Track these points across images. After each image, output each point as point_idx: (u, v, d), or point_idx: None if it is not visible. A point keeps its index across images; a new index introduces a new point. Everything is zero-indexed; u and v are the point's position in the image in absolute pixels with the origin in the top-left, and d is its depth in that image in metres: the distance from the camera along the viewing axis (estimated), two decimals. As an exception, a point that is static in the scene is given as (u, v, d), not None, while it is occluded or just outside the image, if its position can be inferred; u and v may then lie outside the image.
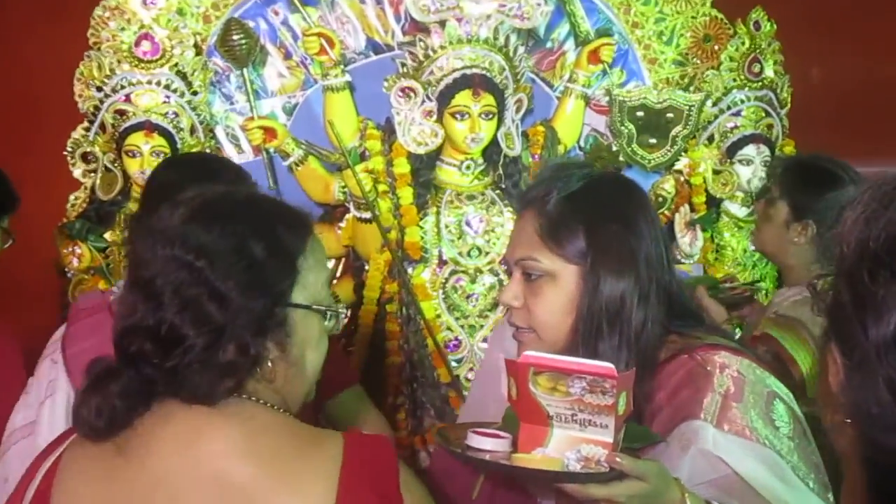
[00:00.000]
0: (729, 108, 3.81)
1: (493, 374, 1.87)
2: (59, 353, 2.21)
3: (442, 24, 3.43)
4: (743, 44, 3.78)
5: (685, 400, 1.61)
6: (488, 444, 1.50)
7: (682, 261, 3.63)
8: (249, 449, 1.27)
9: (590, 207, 1.69)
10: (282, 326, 1.32)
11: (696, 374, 1.64)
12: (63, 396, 2.15)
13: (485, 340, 3.47)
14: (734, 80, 3.80)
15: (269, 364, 1.31)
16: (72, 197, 3.59)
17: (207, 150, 3.49)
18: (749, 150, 3.80)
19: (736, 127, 3.81)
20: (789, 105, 3.90)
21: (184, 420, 1.28)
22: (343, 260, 3.66)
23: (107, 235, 3.50)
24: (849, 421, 0.94)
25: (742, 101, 3.80)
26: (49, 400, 2.17)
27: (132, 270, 1.32)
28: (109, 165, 3.50)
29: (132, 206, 3.49)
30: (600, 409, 1.40)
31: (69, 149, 3.54)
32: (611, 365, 1.37)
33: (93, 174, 3.53)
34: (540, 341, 1.67)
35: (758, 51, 3.79)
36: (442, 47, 3.43)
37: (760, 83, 3.81)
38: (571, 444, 1.44)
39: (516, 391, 1.44)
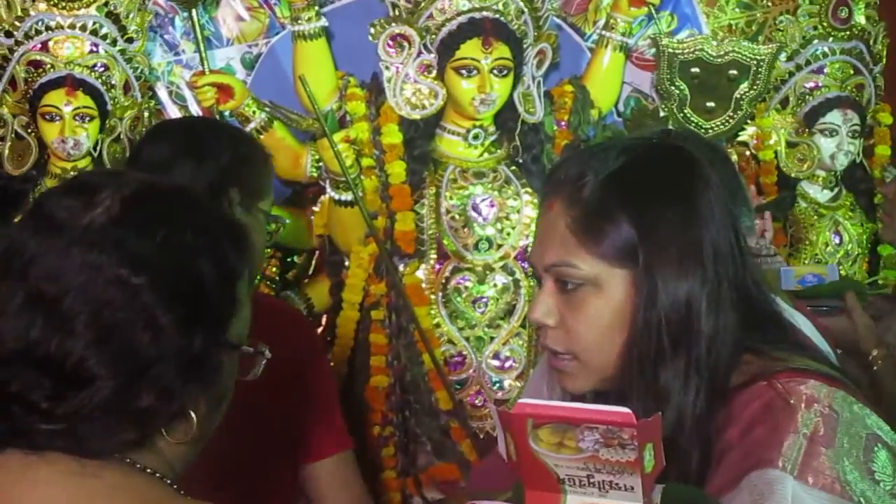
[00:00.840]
0: (808, 63, 3.61)
1: None
2: None
3: None
4: None
5: (760, 440, 1.42)
6: None
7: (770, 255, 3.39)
8: None
9: (637, 190, 1.51)
10: (215, 371, 1.21)
11: (775, 407, 1.44)
12: None
13: (496, 358, 3.31)
14: (815, 28, 3.62)
15: (192, 416, 1.20)
16: None
17: (146, 112, 3.33)
18: (833, 118, 3.57)
19: (817, 88, 3.61)
20: (884, 61, 3.70)
21: (19, 465, 1.15)
22: (317, 254, 3.51)
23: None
24: None
25: (825, 55, 3.61)
26: None
27: (23, 276, 1.16)
28: (21, 132, 3.29)
29: (49, 184, 3.29)
30: (622, 467, 1.24)
31: None
32: (627, 410, 1.20)
33: (0, 142, 3.32)
34: (585, 369, 1.53)
35: None
36: None
37: (848, 33, 3.63)
38: None
39: (515, 450, 1.29)
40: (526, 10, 3.23)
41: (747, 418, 1.45)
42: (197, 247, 1.20)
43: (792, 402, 1.43)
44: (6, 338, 1.14)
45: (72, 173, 3.19)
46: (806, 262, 3.62)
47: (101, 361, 1.13)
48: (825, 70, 3.60)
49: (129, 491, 1.15)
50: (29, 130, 3.24)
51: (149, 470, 1.18)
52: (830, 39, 3.60)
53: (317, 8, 3.26)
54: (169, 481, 1.20)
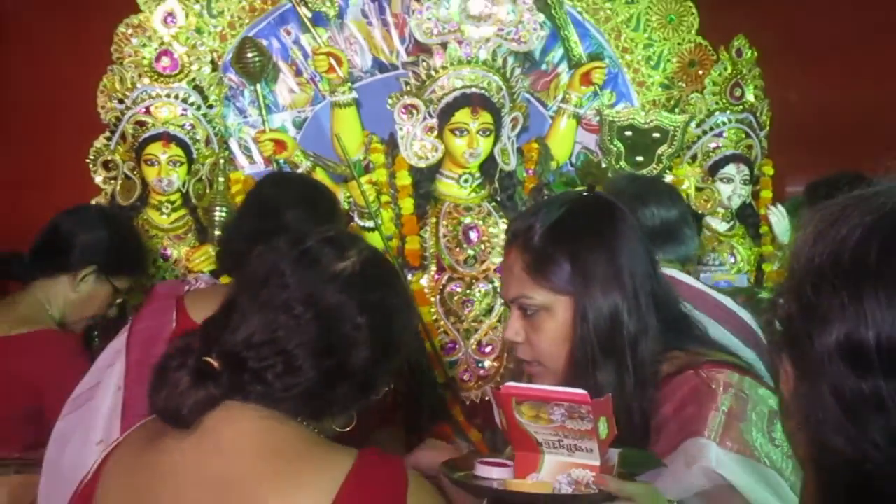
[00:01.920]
0: (712, 129, 3.86)
1: None
2: (127, 329, 2.31)
3: (444, 45, 3.48)
4: (726, 69, 3.84)
5: (690, 416, 1.58)
6: (494, 473, 1.49)
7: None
8: (257, 450, 1.26)
9: (571, 236, 1.66)
10: (375, 390, 1.41)
11: (701, 391, 1.60)
12: (121, 366, 2.24)
13: (479, 345, 3.51)
14: (717, 102, 3.85)
15: (353, 415, 1.40)
16: (93, 202, 3.60)
17: (221, 160, 3.55)
18: (730, 169, 3.85)
19: (718, 147, 3.86)
20: (768, 127, 3.95)
21: (209, 416, 1.30)
22: None
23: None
24: (800, 427, 0.96)
25: (724, 123, 3.85)
26: (110, 369, 2.26)
27: (281, 291, 1.33)
28: (129, 173, 3.54)
29: (150, 212, 3.57)
30: (583, 434, 1.40)
31: (91, 157, 3.59)
32: (584, 391, 1.36)
33: (113, 181, 3.57)
34: (547, 372, 1.67)
35: (739, 76, 3.85)
36: (443, 67, 3.47)
37: (741, 106, 3.86)
38: (562, 468, 1.44)
39: (505, 421, 1.44)
40: (504, 87, 3.46)
41: (679, 399, 1.60)
42: (397, 305, 1.41)
43: (713, 386, 1.58)
44: (259, 329, 1.32)
45: (165, 204, 3.50)
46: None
47: (316, 366, 1.31)
48: (724, 134, 3.83)
49: (261, 421, 1.31)
50: (135, 172, 3.51)
51: (316, 431, 1.35)
52: (728, 112, 3.83)
53: (349, 84, 3.52)
54: (306, 423, 1.37)
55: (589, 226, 1.68)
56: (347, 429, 1.42)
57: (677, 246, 2.56)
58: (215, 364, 1.31)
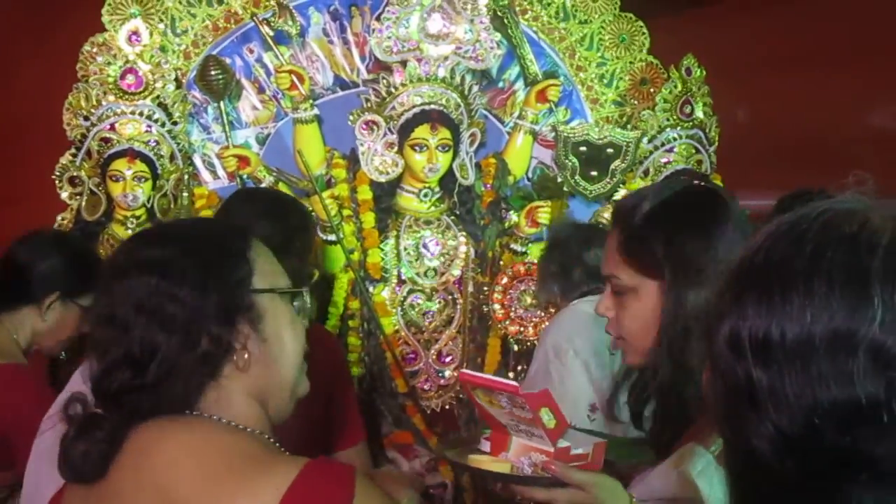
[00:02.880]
0: (663, 144, 3.89)
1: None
2: None
3: (403, 63, 3.53)
4: (676, 87, 3.86)
5: (703, 425, 1.58)
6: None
7: None
8: (193, 466, 1.22)
9: (669, 222, 1.63)
10: (250, 311, 1.32)
11: None
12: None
13: (439, 355, 3.60)
14: (668, 119, 3.88)
15: (241, 348, 1.30)
16: (59, 217, 3.62)
17: (185, 175, 3.61)
18: None
19: (669, 162, 3.89)
20: (717, 143, 3.98)
21: (146, 433, 1.26)
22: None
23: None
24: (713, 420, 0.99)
25: (675, 139, 3.89)
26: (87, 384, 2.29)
27: (96, 326, 1.32)
28: (94, 189, 3.56)
29: (115, 227, 3.58)
30: (530, 422, 1.47)
31: (57, 173, 3.59)
32: (516, 384, 1.43)
33: (79, 196, 3.58)
34: (632, 349, 1.69)
35: (689, 94, 3.87)
36: (403, 85, 3.53)
37: (691, 123, 3.90)
38: (525, 451, 1.51)
39: (476, 406, 1.53)
40: (462, 104, 3.53)
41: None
42: (193, 242, 1.38)
43: None
44: (96, 363, 1.32)
45: (130, 219, 3.53)
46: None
47: (155, 332, 1.28)
48: (675, 149, 3.84)
49: (194, 432, 1.26)
50: (100, 188, 3.53)
51: (232, 423, 1.28)
52: (679, 128, 3.84)
53: (311, 101, 3.56)
54: (250, 429, 1.30)
55: (691, 214, 1.66)
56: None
57: None
58: (98, 411, 1.30)
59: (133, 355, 1.25)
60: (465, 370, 1.49)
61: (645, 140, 3.88)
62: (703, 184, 1.80)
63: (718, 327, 0.95)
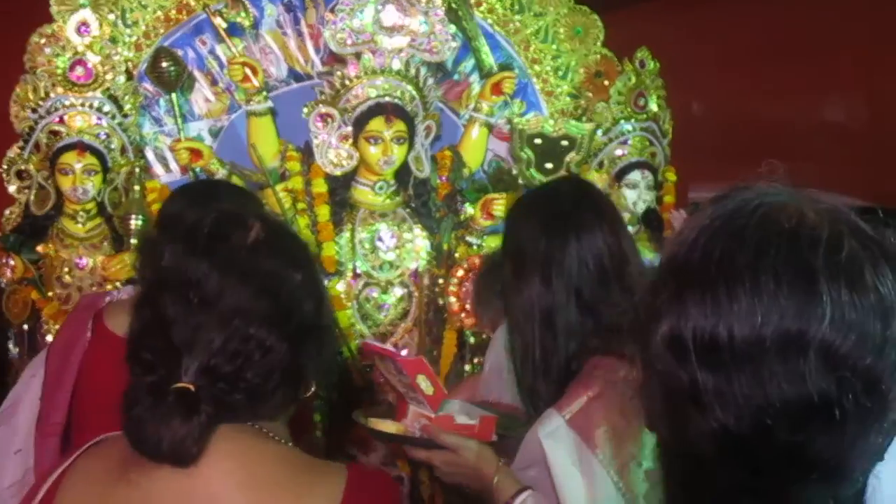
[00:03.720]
0: (617, 136, 3.93)
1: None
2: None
3: (358, 55, 3.53)
4: (630, 80, 3.90)
5: (566, 394, 1.67)
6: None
7: None
8: (246, 477, 1.24)
9: (514, 209, 1.76)
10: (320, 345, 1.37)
11: (584, 376, 1.68)
12: (40, 378, 2.27)
13: (395, 347, 3.54)
14: (622, 112, 3.92)
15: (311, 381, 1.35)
16: (7, 212, 3.60)
17: (137, 168, 3.56)
18: (635, 176, 3.93)
19: (623, 154, 3.93)
20: (671, 135, 4.03)
21: (218, 434, 1.26)
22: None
23: (39, 248, 3.51)
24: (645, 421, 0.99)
25: (629, 132, 3.93)
26: (32, 379, 2.30)
27: (202, 285, 1.27)
28: (43, 182, 3.53)
29: (65, 221, 3.55)
30: (411, 387, 1.59)
31: (4, 166, 3.57)
32: (394, 349, 1.50)
33: (27, 190, 3.56)
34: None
35: (643, 86, 3.91)
36: (357, 77, 3.52)
37: (645, 115, 3.94)
38: (417, 417, 1.63)
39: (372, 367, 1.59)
40: (417, 96, 3.54)
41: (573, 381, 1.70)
42: (309, 254, 1.44)
43: (595, 373, 1.65)
44: (214, 330, 1.27)
45: (81, 213, 3.49)
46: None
47: (284, 336, 1.28)
48: (629, 142, 3.89)
49: (243, 444, 1.28)
50: (48, 181, 3.49)
51: (265, 431, 1.31)
52: (633, 120, 3.89)
53: (265, 93, 3.56)
54: (284, 441, 1.34)
55: (535, 205, 1.79)
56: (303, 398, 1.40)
57: None
58: (191, 387, 1.24)
59: (246, 352, 1.24)
60: (367, 340, 1.59)
61: (599, 132, 3.92)
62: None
63: (653, 327, 0.92)
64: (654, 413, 0.96)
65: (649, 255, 3.77)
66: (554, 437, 1.59)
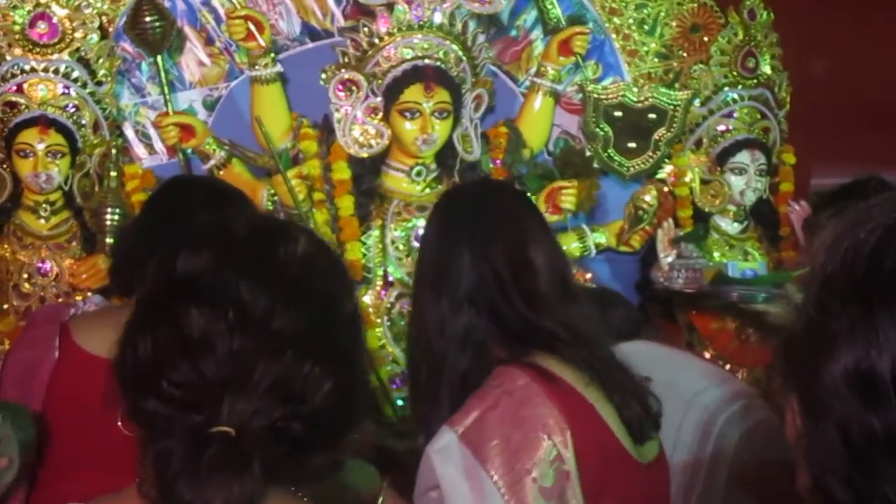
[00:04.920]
0: (719, 108, 3.87)
1: None
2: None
3: (389, 7, 3.50)
4: (735, 35, 3.86)
5: (463, 406, 1.74)
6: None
7: (664, 283, 3.64)
8: None
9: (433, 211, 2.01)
10: None
11: (482, 387, 1.77)
12: None
13: None
14: (725, 76, 3.87)
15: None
16: None
17: (114, 149, 3.54)
18: (742, 157, 3.83)
19: (727, 130, 3.87)
20: (788, 106, 3.99)
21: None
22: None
23: None
24: (809, 480, 0.97)
25: (734, 101, 3.87)
26: None
27: (244, 303, 1.22)
28: None
29: (23, 215, 3.51)
30: None
31: None
32: None
33: None
34: None
35: (752, 43, 3.86)
36: (389, 34, 3.49)
37: (755, 80, 3.89)
38: None
39: None
40: (464, 58, 3.52)
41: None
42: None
43: (493, 383, 1.75)
44: (264, 361, 1.24)
45: (43, 205, 3.43)
46: (718, 284, 3.83)
47: (335, 369, 1.26)
48: (735, 114, 3.84)
49: None
50: (4, 166, 3.43)
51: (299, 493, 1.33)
52: (739, 87, 3.83)
53: (273, 55, 3.53)
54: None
55: (445, 209, 2.01)
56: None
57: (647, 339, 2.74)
58: (232, 432, 1.18)
59: (301, 393, 1.21)
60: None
61: (697, 102, 3.88)
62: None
63: (824, 359, 0.91)
64: (824, 469, 0.93)
65: (755, 263, 3.81)
66: (444, 453, 1.70)
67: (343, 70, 3.47)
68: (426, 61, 3.46)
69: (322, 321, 1.26)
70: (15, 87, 3.43)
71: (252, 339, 1.21)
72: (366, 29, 3.48)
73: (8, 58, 3.44)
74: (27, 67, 3.44)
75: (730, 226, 3.92)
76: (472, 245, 1.87)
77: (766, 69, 3.89)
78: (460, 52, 3.52)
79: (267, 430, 1.20)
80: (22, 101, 3.42)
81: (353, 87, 3.47)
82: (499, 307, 1.83)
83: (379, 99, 3.48)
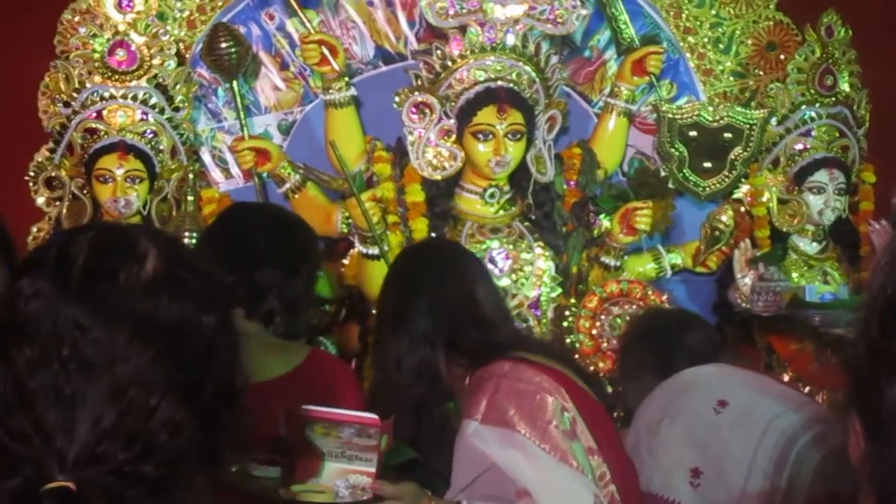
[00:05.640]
0: (797, 126, 3.85)
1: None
2: None
3: (462, 29, 3.53)
4: (813, 53, 3.84)
5: (467, 405, 2.17)
6: (265, 472, 1.95)
7: (744, 306, 3.60)
8: None
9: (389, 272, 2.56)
10: None
11: (476, 382, 2.19)
12: None
13: None
14: (803, 94, 3.85)
15: None
16: (34, 229, 3.59)
17: (191, 174, 3.58)
18: (821, 176, 3.81)
19: (805, 149, 3.85)
20: (868, 124, 3.96)
21: None
22: (346, 302, 3.66)
23: None
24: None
25: (812, 120, 3.85)
26: None
27: (76, 341, 1.12)
28: (77, 192, 3.53)
29: None
30: (366, 448, 1.91)
31: (31, 173, 3.55)
32: (375, 416, 1.90)
33: (58, 202, 3.55)
34: None
35: (830, 61, 3.84)
36: (462, 56, 3.52)
37: (834, 98, 3.86)
38: (341, 474, 1.93)
39: (292, 434, 1.91)
40: (537, 79, 3.54)
41: (467, 395, 2.24)
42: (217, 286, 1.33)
43: (485, 377, 2.17)
44: (100, 404, 1.13)
45: None
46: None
47: (187, 396, 1.17)
48: (813, 133, 3.81)
49: None
50: (84, 191, 3.49)
51: None
52: (817, 105, 3.81)
53: (346, 79, 3.57)
54: None
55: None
56: None
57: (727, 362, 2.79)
58: (71, 485, 1.06)
59: (147, 433, 1.11)
60: (310, 406, 1.90)
61: (773, 121, 3.85)
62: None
63: (888, 382, 0.89)
64: (890, 492, 0.91)
65: (834, 286, 3.78)
66: (477, 436, 2.11)
67: (416, 93, 3.51)
68: (499, 83, 3.47)
69: (173, 350, 1.15)
70: (95, 114, 3.48)
71: (90, 381, 1.10)
72: (439, 52, 3.51)
73: (88, 85, 3.48)
74: (106, 94, 3.48)
75: (808, 246, 3.91)
76: (429, 293, 2.32)
77: (845, 87, 3.86)
78: (533, 74, 3.53)
79: (114, 476, 1.09)
80: (101, 127, 3.47)
81: (427, 110, 3.50)
82: (456, 338, 2.27)
83: (452, 121, 3.50)
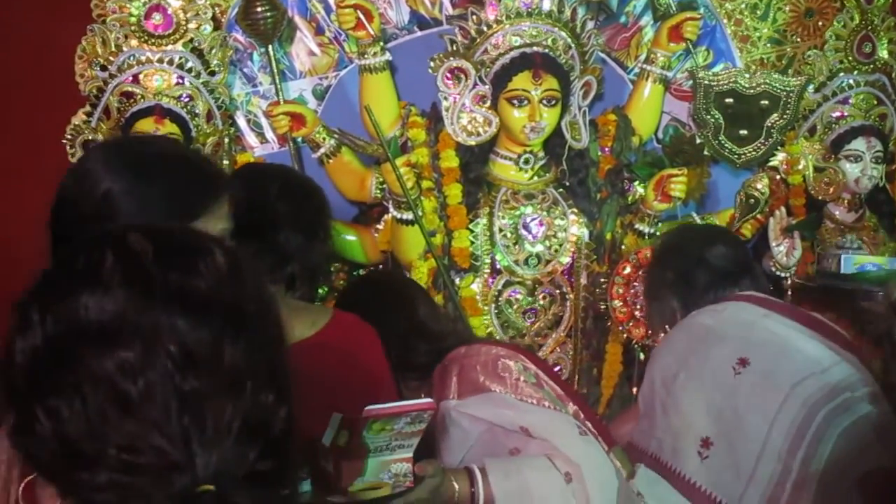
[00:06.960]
0: (834, 94, 3.87)
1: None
2: None
3: None
4: (852, 19, 3.85)
5: (437, 393, 2.32)
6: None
7: (777, 273, 3.63)
8: None
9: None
10: None
11: (438, 373, 2.38)
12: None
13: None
14: (841, 61, 3.86)
15: None
16: None
17: (226, 139, 3.62)
18: (858, 145, 3.84)
19: (843, 117, 3.86)
20: None
21: None
22: (381, 268, 3.73)
23: None
24: None
25: (850, 87, 3.86)
26: None
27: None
28: None
29: None
30: (412, 434, 1.90)
31: (69, 136, 3.57)
32: (430, 400, 1.94)
33: None
34: None
35: (869, 28, 3.85)
36: (497, 22, 3.52)
37: (872, 66, 3.88)
38: (383, 466, 1.91)
39: (347, 440, 1.83)
40: (573, 45, 3.54)
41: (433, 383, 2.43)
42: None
43: (446, 364, 2.39)
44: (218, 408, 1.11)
45: None
46: (830, 275, 3.80)
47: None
48: (850, 101, 3.84)
49: None
50: None
51: None
52: (855, 72, 3.84)
53: (381, 44, 3.56)
54: None
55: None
56: None
57: (754, 281, 2.85)
58: (211, 488, 1.05)
59: (266, 428, 1.11)
60: (370, 406, 1.82)
61: (811, 88, 3.88)
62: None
63: None
64: None
65: (880, 259, 3.75)
66: (457, 411, 2.27)
67: (451, 58, 3.52)
68: (534, 49, 3.48)
69: (262, 342, 1.14)
70: (131, 78, 3.52)
71: (205, 380, 1.07)
72: (474, 17, 3.51)
73: (124, 49, 3.52)
74: (143, 58, 3.52)
75: (844, 214, 3.94)
76: (377, 323, 2.30)
77: (884, 54, 3.88)
78: (569, 39, 3.53)
79: (247, 476, 1.08)
80: (138, 91, 3.51)
81: (462, 76, 3.51)
82: (408, 357, 2.42)
83: (487, 87, 3.51)
